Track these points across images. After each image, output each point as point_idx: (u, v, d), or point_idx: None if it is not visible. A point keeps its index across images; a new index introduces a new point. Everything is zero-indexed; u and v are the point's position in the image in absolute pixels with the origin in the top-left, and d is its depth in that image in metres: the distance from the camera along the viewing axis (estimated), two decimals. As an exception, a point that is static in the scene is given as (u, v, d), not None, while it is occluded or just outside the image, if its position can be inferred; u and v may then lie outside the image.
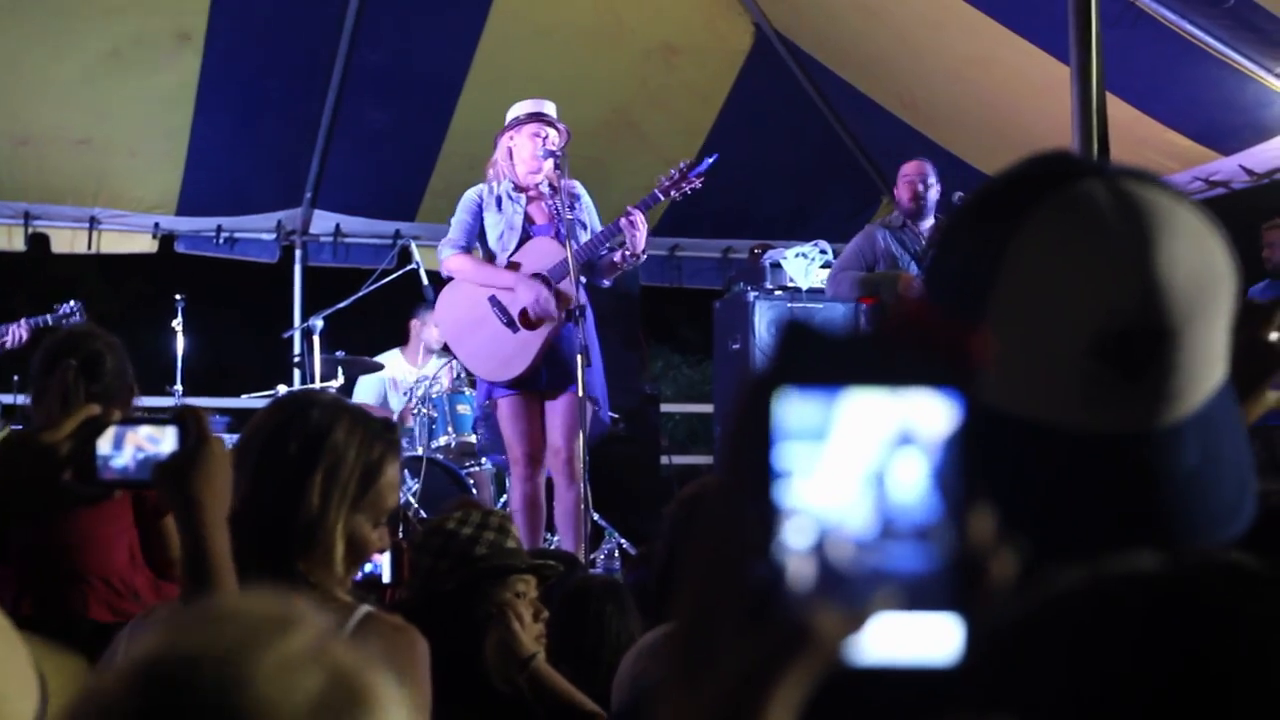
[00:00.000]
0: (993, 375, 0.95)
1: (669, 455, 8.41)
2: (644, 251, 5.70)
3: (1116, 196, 0.99)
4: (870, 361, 0.67)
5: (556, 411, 5.68)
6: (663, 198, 5.85)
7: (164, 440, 1.68)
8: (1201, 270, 0.99)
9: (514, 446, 5.73)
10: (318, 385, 7.11)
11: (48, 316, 6.61)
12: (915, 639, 0.66)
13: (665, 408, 9.67)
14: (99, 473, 1.69)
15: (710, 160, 5.90)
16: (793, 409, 0.66)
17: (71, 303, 6.68)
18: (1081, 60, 3.63)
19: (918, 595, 0.66)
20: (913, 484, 0.66)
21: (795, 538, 0.66)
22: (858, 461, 0.66)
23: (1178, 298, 0.96)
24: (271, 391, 7.57)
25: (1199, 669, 0.72)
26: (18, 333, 6.38)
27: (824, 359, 0.67)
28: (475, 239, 5.83)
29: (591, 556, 5.86)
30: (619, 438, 7.51)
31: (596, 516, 6.25)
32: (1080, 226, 0.99)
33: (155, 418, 1.72)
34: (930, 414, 0.66)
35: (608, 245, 5.65)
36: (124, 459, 1.69)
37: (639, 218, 5.56)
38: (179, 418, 1.67)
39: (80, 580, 3.39)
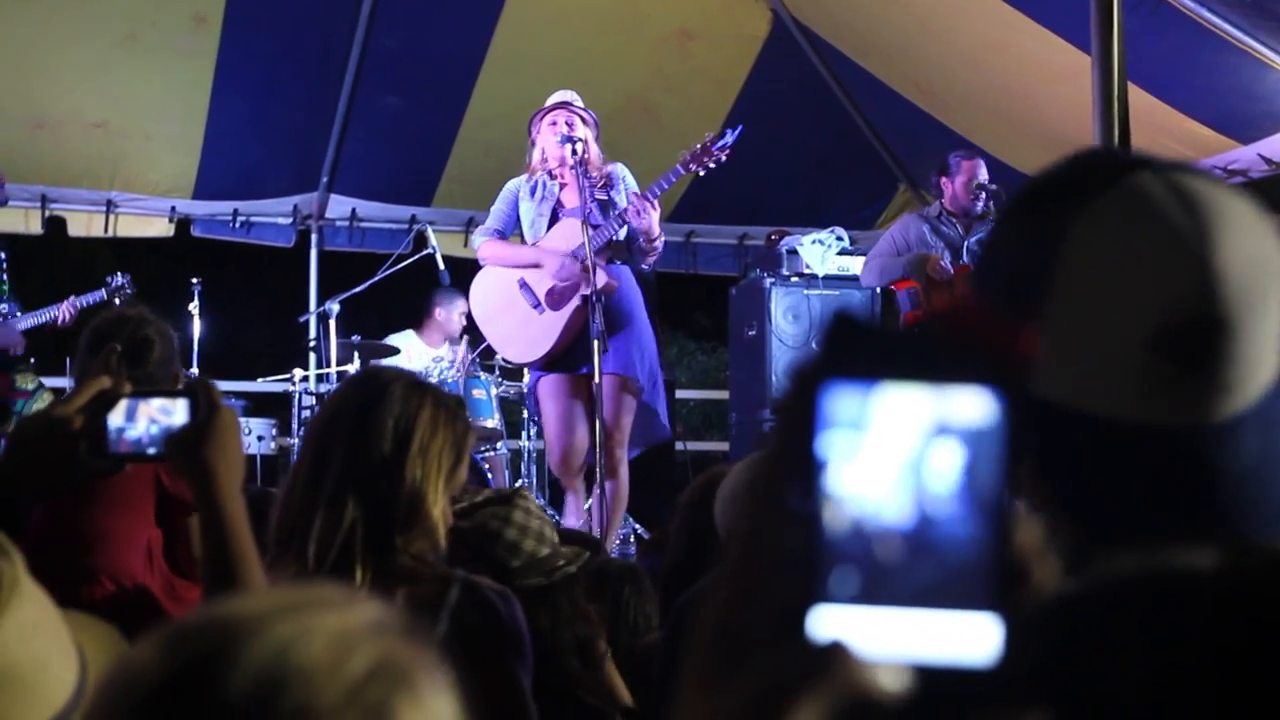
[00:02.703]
0: (1052, 369, 0.95)
1: (684, 441, 8.41)
2: (659, 236, 5.71)
3: (1171, 189, 0.99)
4: (914, 357, 0.67)
5: (603, 398, 5.61)
6: (684, 171, 5.83)
7: (176, 412, 1.67)
8: (1257, 261, 0.99)
9: (548, 427, 5.76)
10: (334, 369, 7.13)
11: (101, 293, 6.61)
12: (952, 638, 0.65)
13: (680, 394, 9.67)
14: (111, 446, 1.68)
15: (733, 132, 5.83)
16: (836, 402, 0.67)
17: (119, 276, 6.71)
18: (1102, 47, 3.61)
19: (955, 591, 0.65)
20: (951, 477, 0.66)
21: (834, 527, 0.66)
22: (895, 452, 0.66)
23: (1235, 289, 0.96)
24: (287, 375, 7.60)
25: (1264, 667, 0.72)
26: (61, 313, 6.38)
27: (869, 353, 0.67)
28: (511, 227, 5.90)
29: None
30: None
31: (611, 502, 6.26)
32: (1138, 219, 0.99)
33: (167, 390, 1.71)
34: (970, 409, 0.66)
35: (618, 226, 5.67)
36: (137, 431, 1.68)
37: (642, 205, 5.56)
38: (190, 390, 1.67)
39: (89, 578, 3.23)
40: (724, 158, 5.83)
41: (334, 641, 0.82)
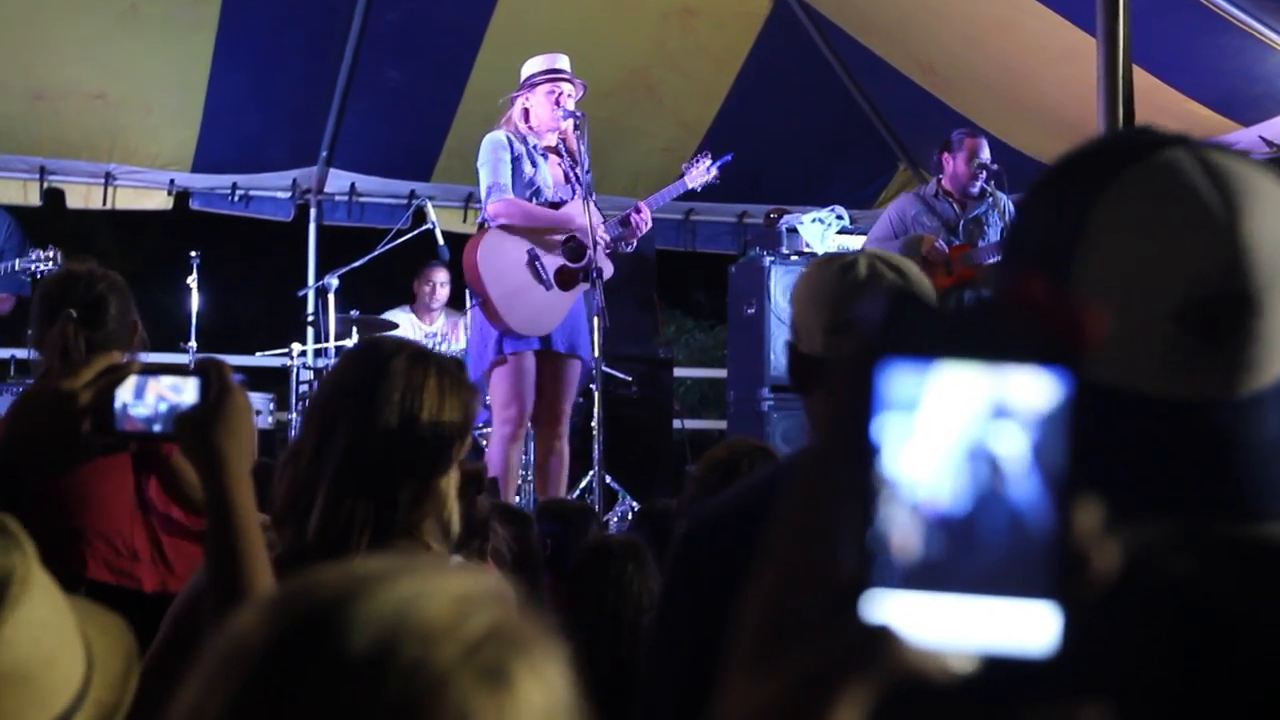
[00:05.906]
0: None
1: (681, 419, 8.42)
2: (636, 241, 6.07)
3: (1202, 164, 0.98)
4: (974, 336, 0.66)
5: (562, 378, 5.73)
6: (687, 188, 6.07)
7: (185, 391, 1.63)
8: None
9: (511, 405, 5.71)
10: (333, 344, 7.12)
11: (16, 261, 6.29)
12: (1009, 626, 0.64)
13: (678, 372, 9.67)
14: (117, 423, 1.65)
15: (726, 159, 6.25)
16: (893, 381, 0.65)
17: (44, 251, 6.32)
18: (1108, 28, 3.61)
19: (1013, 578, 0.64)
20: (1010, 460, 0.65)
21: (889, 510, 0.65)
22: (953, 434, 0.65)
23: (1263, 265, 0.95)
24: (285, 350, 7.59)
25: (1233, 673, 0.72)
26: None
27: (928, 331, 0.66)
28: (511, 179, 5.79)
29: (605, 519, 5.88)
30: (632, 401, 7.52)
31: (609, 479, 6.26)
32: (1165, 191, 0.98)
33: (177, 367, 1.67)
34: (1029, 390, 0.65)
35: (615, 234, 5.79)
36: (145, 409, 1.64)
37: (648, 215, 5.86)
38: (201, 369, 1.63)
39: (79, 538, 3.23)
40: (715, 179, 6.30)
41: (454, 602, 0.82)
